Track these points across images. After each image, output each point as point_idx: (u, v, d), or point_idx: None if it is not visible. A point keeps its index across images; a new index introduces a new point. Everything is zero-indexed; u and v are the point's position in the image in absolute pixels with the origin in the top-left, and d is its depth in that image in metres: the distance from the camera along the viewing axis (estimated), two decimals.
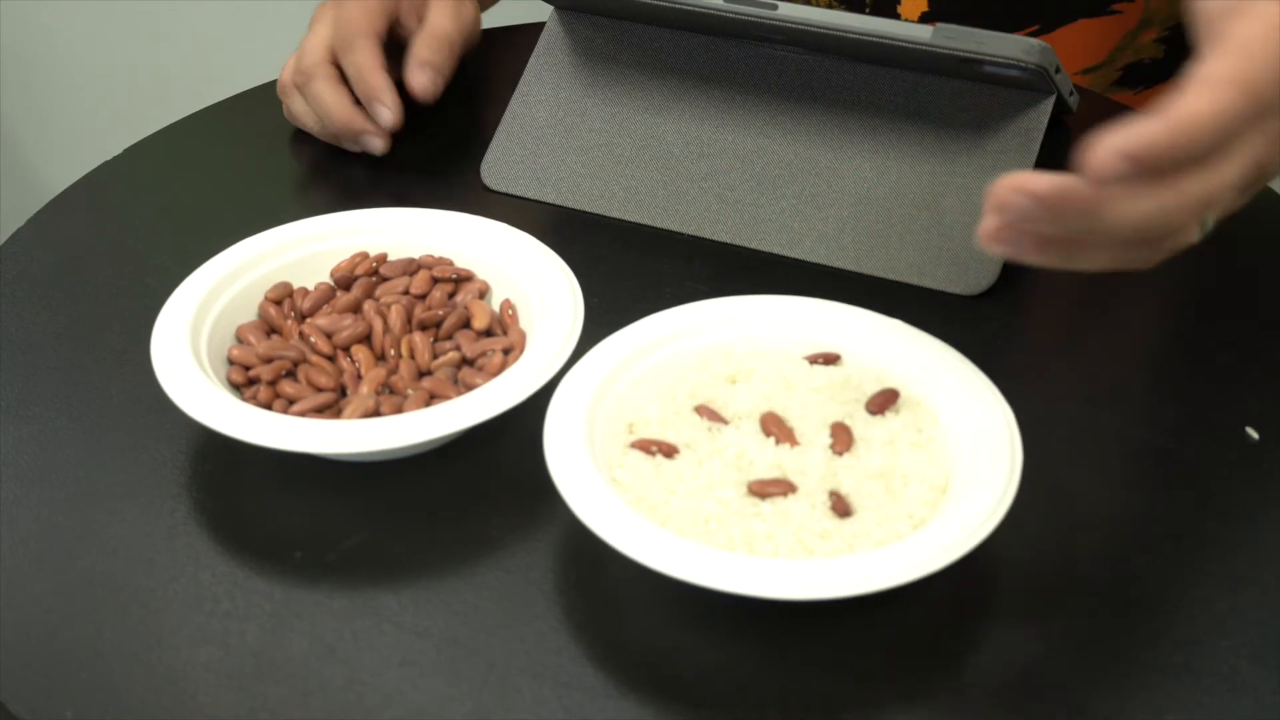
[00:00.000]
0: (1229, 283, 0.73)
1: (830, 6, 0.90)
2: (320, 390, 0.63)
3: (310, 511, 0.62)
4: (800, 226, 0.75)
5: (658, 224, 0.77)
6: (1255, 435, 0.64)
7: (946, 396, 0.60)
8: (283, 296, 0.68)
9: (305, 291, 0.68)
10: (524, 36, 0.88)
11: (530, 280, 0.67)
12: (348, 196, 0.81)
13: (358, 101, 0.81)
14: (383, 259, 0.69)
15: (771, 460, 0.58)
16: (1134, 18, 0.89)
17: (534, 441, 0.58)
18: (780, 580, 0.52)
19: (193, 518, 0.61)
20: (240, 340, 0.66)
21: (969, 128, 0.74)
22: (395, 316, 0.66)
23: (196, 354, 0.63)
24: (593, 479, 0.56)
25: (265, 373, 0.63)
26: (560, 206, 0.79)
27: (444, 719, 0.53)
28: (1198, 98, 0.49)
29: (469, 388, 0.62)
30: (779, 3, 0.73)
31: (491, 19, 0.96)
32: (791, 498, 0.57)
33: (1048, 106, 0.73)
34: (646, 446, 0.59)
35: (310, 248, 0.69)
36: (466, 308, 0.67)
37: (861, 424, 0.60)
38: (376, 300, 0.67)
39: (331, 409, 0.62)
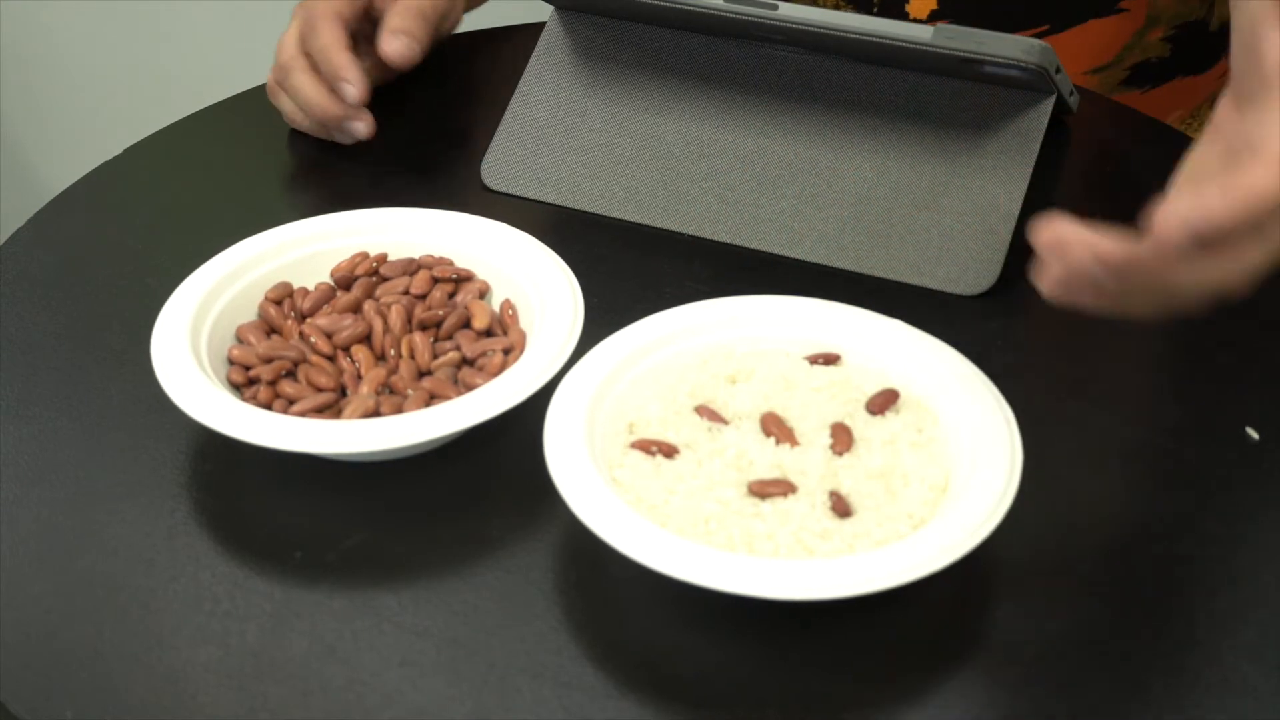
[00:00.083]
0: None
1: (838, 6, 0.90)
2: (320, 390, 0.63)
3: (310, 511, 0.62)
4: (800, 226, 0.75)
5: (658, 224, 0.77)
6: (1255, 435, 0.64)
7: (946, 396, 0.60)
8: (283, 296, 0.68)
9: (305, 291, 0.68)
10: (524, 36, 0.88)
11: (530, 280, 0.67)
12: (348, 196, 0.81)
13: None
14: (383, 259, 0.69)
15: (771, 460, 0.58)
16: (1140, 17, 0.90)
17: (534, 441, 0.58)
18: (780, 580, 0.52)
19: (193, 518, 0.61)
20: (240, 340, 0.66)
21: (969, 128, 0.74)
22: (395, 316, 0.66)
23: (196, 354, 0.63)
24: (593, 479, 0.56)
25: (265, 373, 0.63)
26: (560, 206, 0.79)
27: (444, 719, 0.53)
28: (1260, 174, 0.51)
29: (469, 388, 0.62)
30: (779, 3, 0.73)
31: (491, 19, 0.96)
32: (791, 498, 0.57)
33: (1048, 106, 0.73)
34: (646, 446, 0.59)
35: (310, 248, 0.69)
36: (466, 308, 0.67)
37: (861, 424, 0.60)
38: (376, 300, 0.67)
39: (331, 409, 0.62)
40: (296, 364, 0.64)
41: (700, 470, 0.58)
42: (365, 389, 0.63)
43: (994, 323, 0.70)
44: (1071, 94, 0.77)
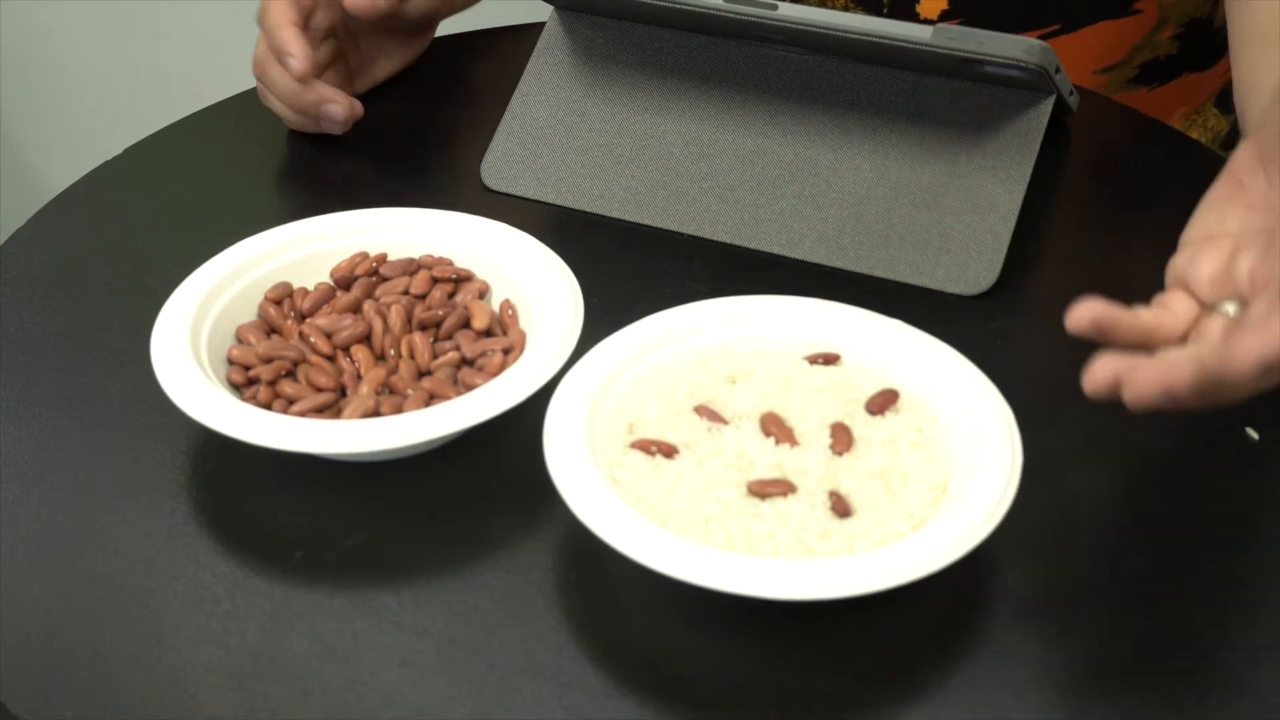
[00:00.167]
0: None
1: (847, 7, 0.90)
2: (320, 390, 0.63)
3: (310, 511, 0.62)
4: (800, 226, 0.75)
5: (658, 224, 0.77)
6: (1255, 435, 0.64)
7: (946, 396, 0.60)
8: (283, 296, 0.68)
9: (305, 291, 0.68)
10: (524, 36, 0.88)
11: (530, 280, 0.67)
12: (347, 196, 0.81)
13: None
14: (383, 259, 0.69)
15: (771, 460, 0.58)
16: (1153, 17, 0.89)
17: (534, 441, 0.58)
18: (780, 580, 0.52)
19: (193, 518, 0.61)
20: (240, 340, 0.66)
21: (969, 128, 0.74)
22: (395, 316, 0.66)
23: (196, 354, 0.63)
24: (593, 479, 0.56)
25: (265, 373, 0.63)
26: (560, 206, 0.79)
27: (444, 719, 0.53)
28: None
29: (469, 388, 0.62)
30: (779, 3, 0.73)
31: (491, 19, 0.96)
32: (791, 498, 0.57)
33: (1048, 106, 0.73)
34: (646, 446, 0.59)
35: (310, 248, 0.69)
36: (466, 308, 0.67)
37: (861, 424, 0.60)
38: (376, 300, 0.67)
39: (331, 409, 0.62)
40: (296, 364, 0.64)
41: (700, 470, 0.58)
42: (365, 389, 0.63)
43: (994, 323, 0.70)
44: (1071, 94, 0.77)
